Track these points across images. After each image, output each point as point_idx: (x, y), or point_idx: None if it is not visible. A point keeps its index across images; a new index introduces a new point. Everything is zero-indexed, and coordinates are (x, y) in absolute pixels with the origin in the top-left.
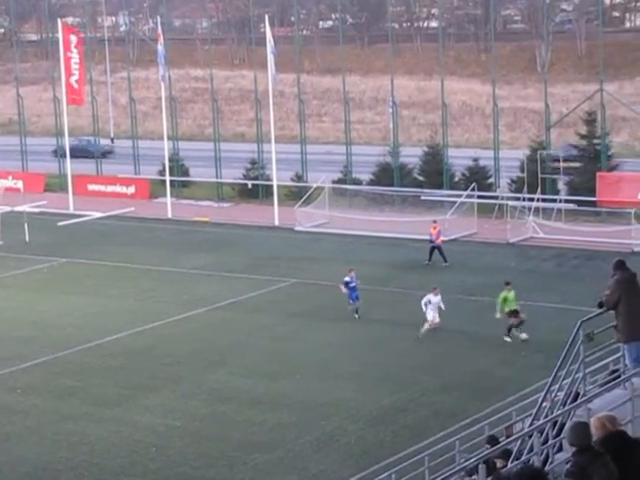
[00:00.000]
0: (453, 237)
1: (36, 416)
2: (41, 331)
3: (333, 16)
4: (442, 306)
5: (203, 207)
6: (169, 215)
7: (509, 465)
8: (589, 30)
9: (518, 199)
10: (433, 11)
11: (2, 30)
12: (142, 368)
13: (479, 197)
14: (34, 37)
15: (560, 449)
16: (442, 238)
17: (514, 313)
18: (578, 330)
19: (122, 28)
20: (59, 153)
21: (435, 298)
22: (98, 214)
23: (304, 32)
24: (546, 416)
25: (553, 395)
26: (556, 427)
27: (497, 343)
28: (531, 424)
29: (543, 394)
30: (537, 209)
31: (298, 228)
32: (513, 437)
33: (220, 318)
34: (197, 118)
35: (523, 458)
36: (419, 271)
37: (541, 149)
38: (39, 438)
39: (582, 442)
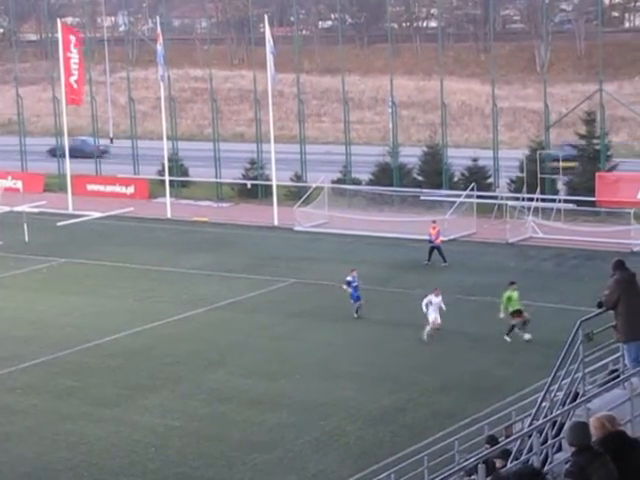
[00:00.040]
0: (452, 237)
1: (35, 416)
2: (40, 331)
3: (332, 16)
4: (443, 307)
5: (202, 207)
6: (168, 215)
7: (508, 465)
8: (588, 30)
9: (517, 199)
10: (432, 11)
11: (1, 30)
12: (141, 368)
13: (478, 197)
14: (33, 37)
15: (559, 449)
16: (441, 238)
17: (517, 313)
18: (577, 330)
19: (121, 28)
20: (58, 153)
21: (436, 299)
22: (97, 214)
23: (303, 32)
24: (545, 416)
25: (552, 395)
26: (555, 427)
27: (496, 343)
28: (530, 424)
29: (542, 394)
30: (536, 209)
31: (297, 228)
32: (512, 437)
33: (219, 318)
34: (196, 118)
35: (522, 458)
36: (418, 271)
37: (540, 149)
38: (38, 438)
39: (581, 442)
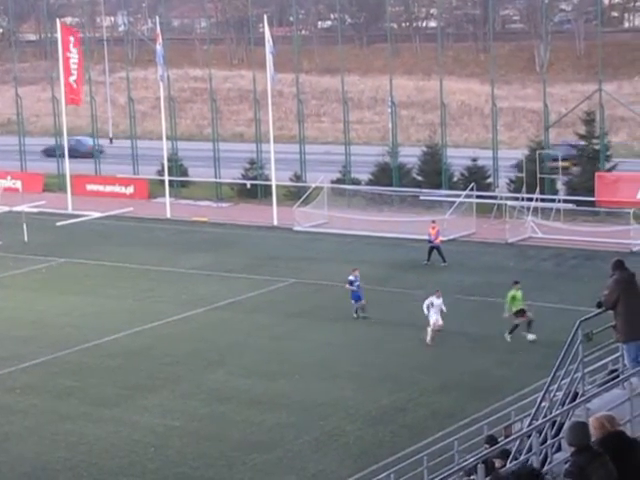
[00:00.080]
0: (452, 237)
1: (35, 416)
2: (40, 331)
3: (332, 16)
4: (444, 309)
5: (202, 207)
6: (168, 215)
7: (508, 465)
8: (588, 30)
9: (517, 199)
10: (432, 11)
11: (1, 30)
12: (141, 368)
13: (478, 197)
14: (33, 37)
15: (559, 449)
16: (441, 238)
17: (521, 312)
18: (577, 330)
19: (121, 28)
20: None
21: (437, 300)
22: (97, 214)
23: (303, 32)
24: (545, 416)
25: (552, 395)
26: (555, 427)
27: (496, 343)
28: (530, 424)
29: (542, 394)
30: (536, 209)
31: (297, 228)
32: (512, 437)
33: (219, 318)
34: (196, 118)
35: (522, 458)
36: (418, 271)
37: (540, 149)
38: (38, 438)
39: (581, 442)
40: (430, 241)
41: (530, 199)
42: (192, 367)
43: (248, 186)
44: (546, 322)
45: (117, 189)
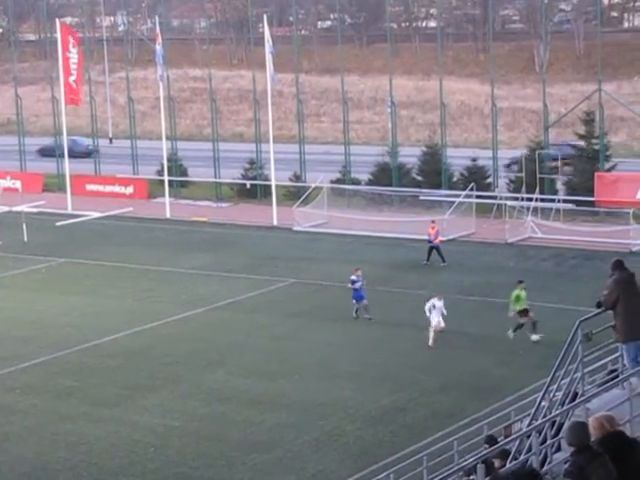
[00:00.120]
0: (451, 237)
1: (35, 416)
2: (39, 331)
3: (332, 16)
4: (444, 311)
5: (201, 207)
6: (167, 215)
7: (508, 465)
8: (587, 30)
9: (516, 199)
10: (432, 11)
11: (0, 30)
12: (140, 368)
13: (477, 197)
14: (32, 37)
15: (558, 449)
16: (440, 238)
17: (524, 312)
18: (576, 330)
19: (120, 28)
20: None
21: (439, 303)
22: (96, 214)
23: (303, 32)
24: (544, 416)
25: (551, 395)
26: (555, 427)
27: (496, 343)
28: (530, 424)
29: (542, 394)
30: (535, 209)
31: (297, 228)
32: (512, 437)
33: (219, 318)
34: (195, 118)
35: (521, 458)
36: (418, 271)
37: (539, 149)
38: (38, 438)
39: (581, 442)
40: (430, 241)
41: (530, 199)
42: (192, 367)
43: (248, 186)
44: (546, 322)
45: (117, 189)
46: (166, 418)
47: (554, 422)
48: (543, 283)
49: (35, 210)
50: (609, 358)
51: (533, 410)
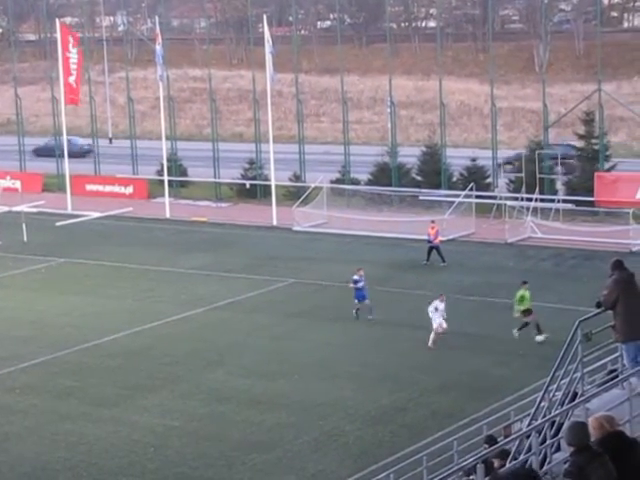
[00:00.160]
0: (451, 237)
1: (34, 416)
2: (39, 331)
3: (331, 16)
4: (444, 315)
5: (201, 207)
6: (167, 215)
7: (508, 465)
8: (587, 30)
9: (516, 199)
10: (431, 11)
11: (0, 30)
12: (140, 368)
13: (477, 197)
14: (32, 37)
15: (558, 449)
16: (440, 238)
17: (528, 312)
18: (576, 330)
19: (120, 28)
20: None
21: (441, 305)
22: (96, 214)
23: (302, 32)
24: (544, 416)
25: (551, 395)
26: (554, 427)
27: (495, 343)
28: (529, 424)
29: (541, 394)
30: (535, 209)
31: (296, 228)
32: (511, 437)
33: (218, 318)
34: (195, 118)
35: (521, 458)
36: (417, 271)
37: (539, 149)
38: (37, 438)
39: (580, 442)
40: (429, 241)
41: (529, 199)
42: (192, 367)
43: (247, 186)
44: (545, 322)
45: (116, 189)
46: (166, 418)
47: (554, 422)
48: (543, 283)
49: (35, 210)
50: (609, 358)
51: (533, 410)
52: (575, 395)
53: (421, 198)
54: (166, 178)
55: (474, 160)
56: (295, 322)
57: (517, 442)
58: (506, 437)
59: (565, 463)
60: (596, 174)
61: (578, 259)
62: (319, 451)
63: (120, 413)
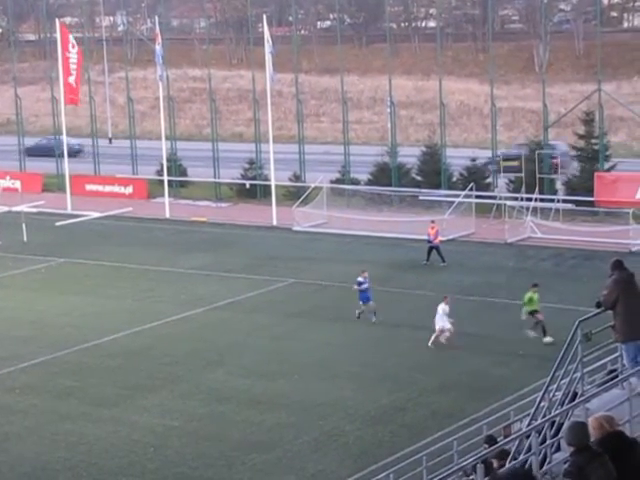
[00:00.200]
0: (451, 237)
1: (34, 416)
2: (39, 331)
3: (331, 16)
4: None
5: (201, 207)
6: (167, 215)
7: (508, 465)
8: (587, 30)
9: (516, 199)
10: (431, 11)
11: (0, 30)
12: (140, 368)
13: (477, 197)
14: (32, 37)
15: (558, 449)
16: (440, 238)
17: (535, 312)
18: (576, 330)
19: (120, 28)
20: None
21: (447, 307)
22: (96, 214)
23: (302, 32)
24: (544, 416)
25: (551, 395)
26: (554, 427)
27: (495, 343)
28: (529, 424)
29: (541, 394)
30: (535, 209)
31: (296, 228)
32: (511, 437)
33: (218, 318)
34: (195, 118)
35: (521, 458)
36: (417, 271)
37: (539, 149)
38: (37, 438)
39: (580, 442)
40: (429, 241)
41: (529, 199)
42: (191, 367)
43: (247, 186)
44: (545, 322)
45: (116, 189)
46: (165, 418)
47: (554, 422)
48: (543, 283)
49: (35, 210)
50: (609, 358)
51: (533, 410)
52: (575, 395)
53: (421, 198)
54: (166, 178)
55: (474, 160)
56: (295, 322)
57: (517, 442)
58: (506, 437)
59: (565, 463)
60: (596, 174)
61: (578, 259)
62: (319, 451)
63: (120, 413)
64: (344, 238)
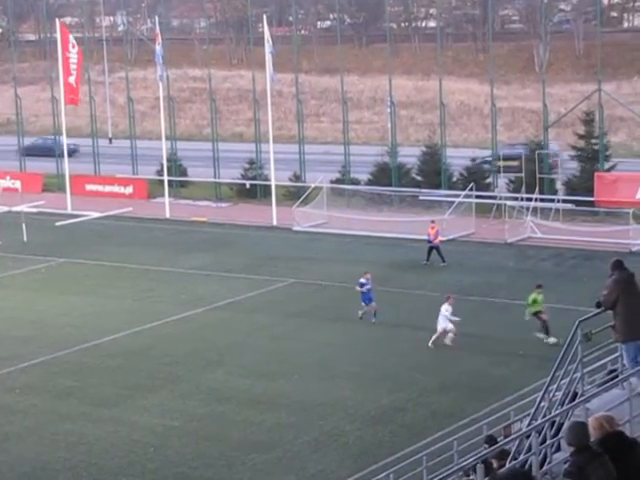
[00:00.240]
0: (451, 237)
1: (34, 416)
2: (39, 331)
3: (331, 16)
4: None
5: (201, 207)
6: (167, 215)
7: (508, 465)
8: (587, 30)
9: (516, 199)
10: (431, 11)
11: (0, 30)
12: (140, 368)
13: (477, 197)
14: (32, 37)
15: (558, 449)
16: (440, 238)
17: (537, 314)
18: (576, 330)
19: (120, 28)
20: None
21: (450, 308)
22: (96, 214)
23: (302, 32)
24: (544, 416)
25: (551, 395)
26: (554, 427)
27: (495, 343)
28: (529, 424)
29: (541, 394)
30: (535, 209)
31: (296, 228)
32: (511, 437)
33: (218, 318)
34: (195, 118)
35: (521, 458)
36: (417, 271)
37: (539, 149)
38: (37, 438)
39: (580, 442)
40: (429, 241)
41: (529, 199)
42: (191, 367)
43: (247, 186)
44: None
45: (116, 189)
46: (165, 418)
47: (554, 422)
48: (543, 283)
49: (35, 210)
50: (609, 358)
51: (533, 410)
52: (575, 395)
53: (421, 198)
54: (166, 178)
55: (474, 160)
56: (295, 322)
57: (517, 442)
58: (506, 437)
59: (565, 463)
60: (596, 174)
61: (578, 259)
62: (319, 451)
63: (120, 413)
64: (344, 238)
